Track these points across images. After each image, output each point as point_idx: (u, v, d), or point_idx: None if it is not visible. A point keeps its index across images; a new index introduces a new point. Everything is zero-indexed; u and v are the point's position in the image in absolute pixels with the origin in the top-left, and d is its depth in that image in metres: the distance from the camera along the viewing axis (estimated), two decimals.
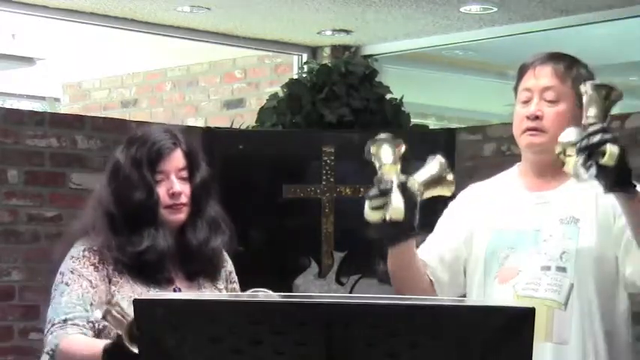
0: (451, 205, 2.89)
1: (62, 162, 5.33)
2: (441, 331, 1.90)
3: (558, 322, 2.64)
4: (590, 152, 2.41)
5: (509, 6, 6.02)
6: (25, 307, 5.16)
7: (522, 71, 2.78)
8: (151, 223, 2.74)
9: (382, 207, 2.53)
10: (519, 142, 2.76)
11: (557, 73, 2.72)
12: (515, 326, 1.90)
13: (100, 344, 2.54)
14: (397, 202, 2.51)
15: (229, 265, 2.93)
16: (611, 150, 2.41)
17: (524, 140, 2.74)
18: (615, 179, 2.45)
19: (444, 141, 5.68)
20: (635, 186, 2.50)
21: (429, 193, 2.61)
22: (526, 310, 1.93)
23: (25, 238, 5.18)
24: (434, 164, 2.64)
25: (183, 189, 2.77)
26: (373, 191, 2.55)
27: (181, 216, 2.77)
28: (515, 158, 2.90)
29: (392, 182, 2.53)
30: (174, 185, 2.75)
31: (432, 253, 2.80)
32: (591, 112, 2.48)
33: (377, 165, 2.60)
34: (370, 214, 2.57)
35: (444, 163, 2.63)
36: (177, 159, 2.78)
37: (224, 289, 2.88)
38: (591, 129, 2.43)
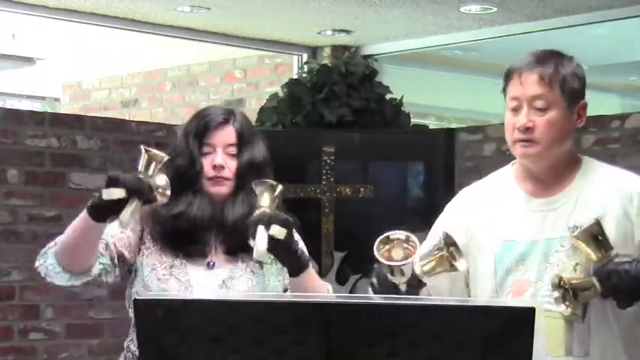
0: (444, 214, 2.83)
1: (62, 162, 5.33)
2: (441, 331, 1.90)
3: (578, 334, 2.59)
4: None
5: (509, 6, 6.02)
6: (25, 307, 5.16)
7: (509, 76, 2.70)
8: (190, 190, 2.79)
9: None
10: (513, 151, 2.70)
11: (544, 81, 2.64)
12: (515, 326, 1.90)
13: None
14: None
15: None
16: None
17: (518, 151, 2.68)
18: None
19: (444, 141, 5.68)
20: None
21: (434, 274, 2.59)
22: (526, 310, 1.93)
23: (25, 238, 5.18)
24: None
25: (229, 163, 2.81)
26: None
27: (223, 189, 2.81)
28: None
29: None
30: (217, 158, 2.80)
31: None
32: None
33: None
34: None
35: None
36: (226, 134, 2.83)
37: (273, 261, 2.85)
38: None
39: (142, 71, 8.40)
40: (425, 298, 2.20)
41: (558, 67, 2.66)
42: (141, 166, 2.62)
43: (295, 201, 5.41)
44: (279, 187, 2.72)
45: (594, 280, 2.50)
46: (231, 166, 2.82)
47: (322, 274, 5.30)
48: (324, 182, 5.39)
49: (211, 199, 2.81)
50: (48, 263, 2.72)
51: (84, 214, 2.64)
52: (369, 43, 7.08)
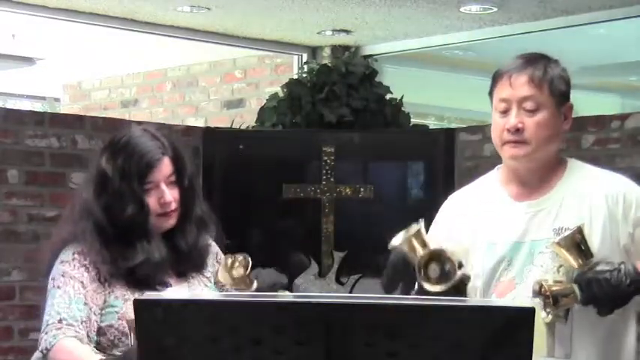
0: (436, 221, 2.85)
1: (62, 162, 5.32)
2: (441, 331, 1.90)
3: (560, 335, 2.60)
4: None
5: (509, 6, 6.02)
6: (25, 307, 5.16)
7: (497, 78, 2.71)
8: (144, 235, 2.72)
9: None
10: (501, 153, 2.71)
11: (534, 82, 2.65)
12: (515, 326, 1.89)
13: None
14: None
15: (214, 247, 2.92)
16: None
17: (508, 152, 2.69)
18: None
19: (444, 141, 5.68)
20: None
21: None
22: (526, 310, 1.93)
23: (25, 238, 5.17)
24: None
25: (173, 195, 2.76)
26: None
27: (172, 221, 2.77)
28: None
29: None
30: (165, 195, 2.73)
31: None
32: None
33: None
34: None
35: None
36: (165, 167, 2.76)
37: (212, 273, 2.87)
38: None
39: (142, 71, 8.40)
40: (425, 298, 2.20)
41: (547, 69, 2.68)
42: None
43: (295, 201, 5.41)
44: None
45: (575, 287, 2.50)
46: (175, 197, 2.76)
47: (322, 274, 5.31)
48: (324, 182, 5.39)
49: (158, 233, 2.76)
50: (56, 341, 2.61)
51: None
52: (369, 43, 7.08)
